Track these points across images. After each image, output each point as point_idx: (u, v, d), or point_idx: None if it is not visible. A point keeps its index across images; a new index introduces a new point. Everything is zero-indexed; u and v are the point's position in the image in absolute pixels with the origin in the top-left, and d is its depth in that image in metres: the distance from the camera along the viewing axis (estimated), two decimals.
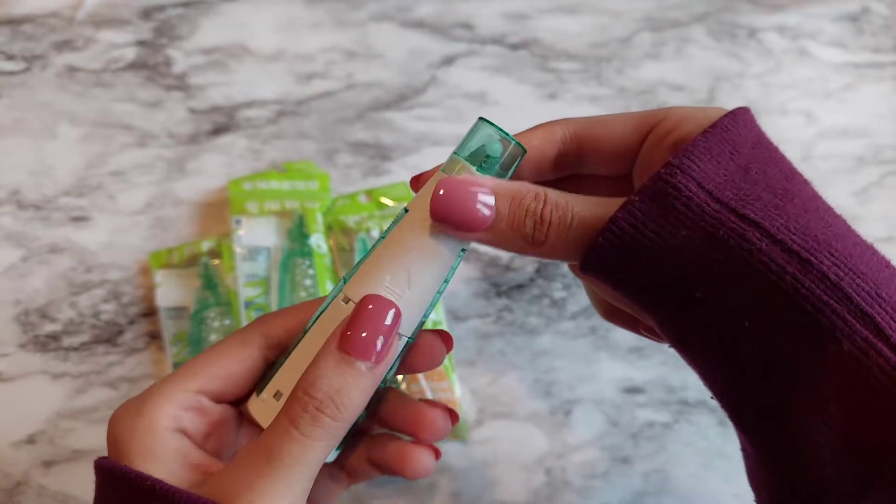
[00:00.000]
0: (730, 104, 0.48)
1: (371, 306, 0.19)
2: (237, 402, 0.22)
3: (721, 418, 0.34)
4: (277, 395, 0.20)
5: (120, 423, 0.19)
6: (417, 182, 0.22)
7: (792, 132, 0.45)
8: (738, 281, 0.17)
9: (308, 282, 0.34)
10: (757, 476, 0.20)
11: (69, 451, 0.33)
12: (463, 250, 0.21)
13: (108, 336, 0.36)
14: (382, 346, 0.18)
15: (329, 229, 0.38)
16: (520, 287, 0.38)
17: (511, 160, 0.21)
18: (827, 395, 0.17)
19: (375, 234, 0.37)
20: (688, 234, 0.17)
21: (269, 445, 0.18)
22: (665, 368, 0.35)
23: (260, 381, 0.21)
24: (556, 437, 0.33)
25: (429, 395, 0.32)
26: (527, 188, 0.19)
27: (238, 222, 0.37)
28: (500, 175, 0.21)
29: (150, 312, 0.36)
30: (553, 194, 0.19)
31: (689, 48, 0.51)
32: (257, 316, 0.34)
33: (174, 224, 0.40)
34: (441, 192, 0.19)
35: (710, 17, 0.53)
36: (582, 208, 0.19)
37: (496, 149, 0.20)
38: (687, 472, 0.32)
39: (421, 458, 0.22)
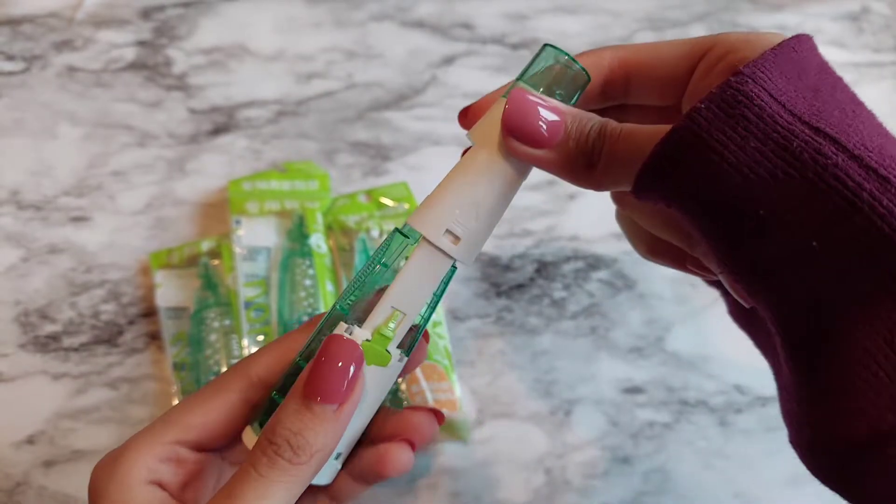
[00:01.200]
0: None
1: (333, 349, 0.19)
2: (219, 449, 0.22)
3: (721, 418, 0.34)
4: None
5: (98, 476, 0.20)
6: (467, 114, 0.22)
7: None
8: (810, 198, 0.16)
9: (308, 282, 0.34)
10: (801, 412, 0.18)
11: (69, 452, 0.33)
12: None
13: (108, 336, 0.36)
14: (347, 387, 0.18)
15: (329, 229, 0.38)
16: (520, 287, 0.38)
17: (575, 87, 0.20)
18: (892, 324, 0.16)
19: (375, 234, 0.37)
20: (758, 145, 0.16)
21: (231, 487, 0.18)
22: (665, 368, 0.35)
23: (259, 411, 0.21)
24: (556, 437, 0.33)
25: (429, 396, 0.32)
26: (589, 114, 0.19)
27: (238, 222, 0.37)
28: (564, 100, 0.20)
29: (150, 313, 0.36)
30: (612, 121, 0.19)
31: None
32: (257, 316, 0.34)
33: (174, 224, 0.40)
34: (516, 105, 0.18)
35: (710, 17, 0.53)
36: (636, 127, 0.18)
37: (561, 75, 0.20)
38: (687, 471, 0.32)
39: (399, 455, 0.22)
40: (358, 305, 0.21)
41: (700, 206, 0.17)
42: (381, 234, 0.37)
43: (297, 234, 0.36)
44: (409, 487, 0.31)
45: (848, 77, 0.58)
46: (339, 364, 0.18)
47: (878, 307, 0.16)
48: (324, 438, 0.18)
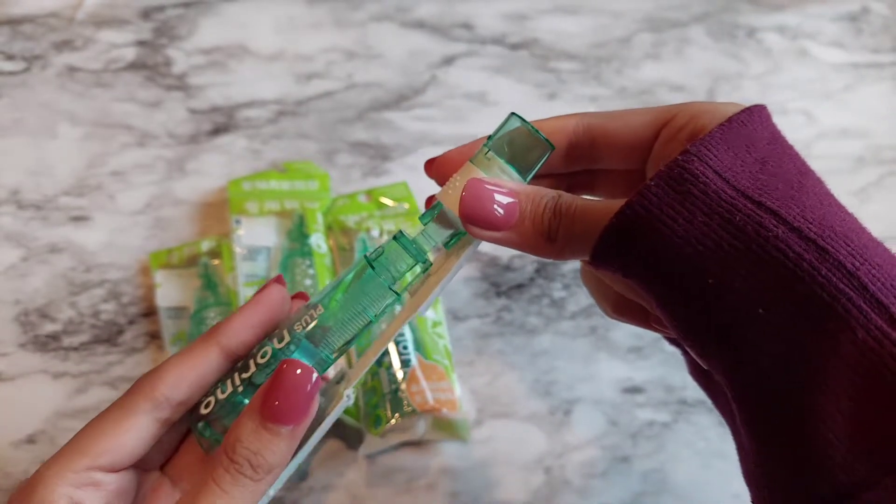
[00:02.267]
0: None
1: (290, 372, 0.19)
2: (137, 466, 0.22)
3: (720, 418, 0.34)
4: None
5: None
6: (432, 166, 0.23)
7: (791, 132, 0.45)
8: (754, 268, 0.17)
9: (308, 281, 0.34)
10: (759, 474, 0.20)
11: None
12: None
13: (108, 336, 0.36)
14: (302, 409, 0.19)
15: (329, 229, 0.38)
16: (519, 287, 0.38)
17: (538, 155, 0.21)
18: (839, 386, 0.17)
19: (375, 233, 0.37)
20: (704, 219, 0.17)
21: (194, 501, 0.19)
22: (665, 368, 0.35)
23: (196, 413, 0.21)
24: (555, 437, 0.33)
25: (429, 395, 0.32)
26: (544, 189, 0.20)
27: (238, 222, 0.37)
28: (528, 169, 0.21)
29: (149, 312, 0.36)
30: (566, 194, 0.20)
31: (688, 48, 0.51)
32: None
33: (174, 224, 0.40)
34: (472, 194, 0.20)
35: (709, 18, 0.53)
36: (593, 203, 0.20)
37: (524, 144, 0.21)
38: (686, 471, 0.32)
39: None
40: (334, 341, 0.21)
41: (653, 276, 0.18)
42: (380, 234, 0.37)
43: (298, 233, 0.36)
44: (409, 487, 0.31)
45: (847, 77, 0.58)
46: (297, 389, 0.19)
47: (826, 371, 0.17)
48: (280, 457, 0.19)
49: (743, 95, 0.48)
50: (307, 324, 0.21)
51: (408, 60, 0.48)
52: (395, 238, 0.21)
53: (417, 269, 0.22)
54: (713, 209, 0.17)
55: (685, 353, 0.25)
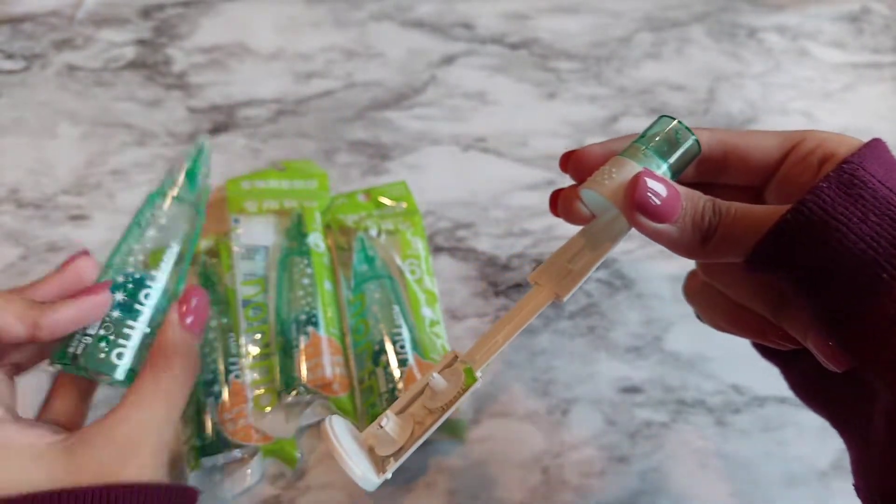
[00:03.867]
0: (729, 104, 0.48)
1: (196, 299, 0.25)
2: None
3: (719, 418, 0.34)
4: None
5: None
6: (569, 159, 0.24)
7: None
8: None
9: (306, 280, 0.34)
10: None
11: None
12: None
13: None
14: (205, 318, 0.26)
15: (327, 228, 0.38)
16: (518, 286, 0.38)
17: (687, 158, 0.23)
18: None
19: (374, 233, 0.37)
20: (877, 220, 0.19)
21: (162, 389, 0.24)
22: (663, 368, 0.35)
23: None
24: (553, 436, 0.33)
25: None
26: (697, 192, 0.21)
27: (236, 221, 0.37)
28: (679, 170, 0.23)
29: None
30: (718, 199, 0.21)
31: (688, 48, 0.51)
32: (255, 314, 0.34)
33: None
34: (643, 184, 0.21)
35: (709, 17, 0.53)
36: (751, 206, 0.21)
37: (679, 144, 0.23)
38: (684, 471, 0.32)
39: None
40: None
41: (822, 270, 0.19)
42: (379, 234, 0.37)
43: (296, 232, 0.36)
44: (407, 486, 0.31)
45: (847, 77, 0.58)
46: (201, 309, 0.25)
47: None
48: (194, 353, 0.25)
49: (743, 95, 0.48)
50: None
51: (407, 60, 0.48)
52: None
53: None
54: (884, 212, 0.19)
55: (787, 367, 0.26)
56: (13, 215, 0.40)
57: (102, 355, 0.24)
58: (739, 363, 0.35)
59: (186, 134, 0.44)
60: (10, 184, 0.41)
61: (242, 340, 0.33)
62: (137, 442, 0.22)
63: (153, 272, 0.26)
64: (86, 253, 0.25)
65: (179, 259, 0.27)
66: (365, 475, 0.22)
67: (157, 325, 0.26)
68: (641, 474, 0.32)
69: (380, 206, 0.39)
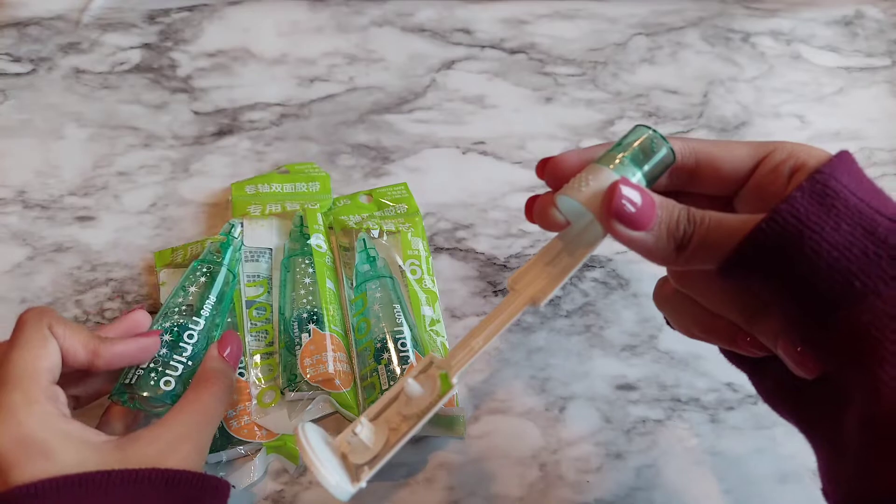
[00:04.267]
0: (724, 108, 0.49)
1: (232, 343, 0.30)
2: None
3: (712, 415, 0.35)
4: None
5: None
6: (545, 166, 0.25)
7: (785, 135, 0.46)
8: None
9: (307, 280, 0.35)
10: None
11: None
12: None
13: None
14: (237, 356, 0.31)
15: (330, 229, 0.39)
16: None
17: (662, 166, 0.23)
18: None
19: (376, 234, 0.38)
20: (849, 229, 0.19)
21: (202, 404, 0.27)
22: (658, 366, 0.36)
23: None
24: (550, 433, 0.33)
25: None
26: (670, 200, 0.22)
27: (241, 224, 0.37)
28: (654, 178, 0.23)
29: (154, 310, 0.37)
30: (692, 207, 0.22)
31: (683, 52, 0.51)
32: (259, 315, 0.35)
33: (178, 223, 0.40)
34: (619, 193, 0.21)
35: (704, 22, 0.53)
36: (725, 214, 0.21)
37: (654, 153, 0.23)
38: (679, 467, 0.33)
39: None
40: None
41: (796, 278, 0.20)
42: (380, 234, 0.38)
43: (298, 234, 0.37)
44: (406, 481, 0.32)
45: (841, 81, 0.58)
46: (235, 348, 0.30)
47: None
48: (232, 382, 0.30)
49: (737, 99, 0.49)
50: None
51: (408, 64, 0.49)
52: None
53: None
54: (856, 221, 0.19)
55: (756, 376, 0.26)
56: (20, 216, 0.40)
57: (152, 383, 0.29)
58: None
59: (192, 136, 0.44)
60: (17, 185, 0.42)
61: (247, 340, 0.34)
62: (179, 441, 0.25)
63: (196, 318, 0.31)
64: (142, 308, 0.31)
65: (217, 310, 0.33)
66: (339, 484, 0.21)
67: (198, 360, 0.30)
68: (637, 470, 0.33)
69: (382, 206, 0.40)
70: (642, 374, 0.35)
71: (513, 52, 0.50)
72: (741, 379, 0.36)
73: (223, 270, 0.34)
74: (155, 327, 0.31)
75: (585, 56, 0.50)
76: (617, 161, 0.22)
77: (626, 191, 0.21)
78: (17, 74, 0.47)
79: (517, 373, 0.35)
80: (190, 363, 0.30)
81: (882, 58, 0.52)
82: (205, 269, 0.34)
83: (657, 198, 0.22)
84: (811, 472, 0.33)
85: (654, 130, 0.23)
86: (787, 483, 0.33)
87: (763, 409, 0.36)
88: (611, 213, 0.21)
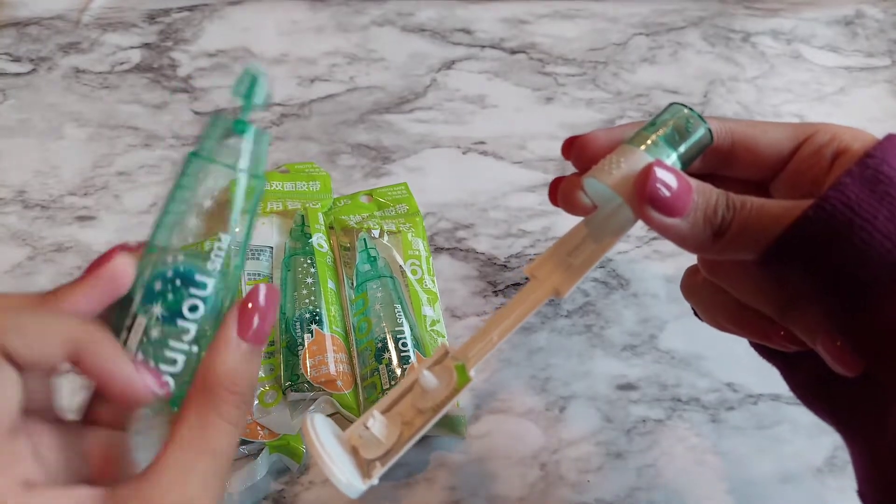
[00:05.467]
0: (724, 107, 0.49)
1: (259, 293, 0.20)
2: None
3: (713, 415, 0.34)
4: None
5: None
6: (572, 145, 0.23)
7: None
8: None
9: (309, 280, 0.35)
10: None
11: None
12: None
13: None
14: (270, 322, 0.20)
15: (331, 229, 0.39)
16: (516, 286, 0.39)
17: (699, 148, 0.21)
18: None
19: (376, 233, 0.38)
20: None
21: (210, 446, 0.18)
22: (659, 366, 0.36)
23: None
24: (551, 433, 0.33)
25: None
26: (707, 184, 0.20)
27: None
28: (690, 160, 0.21)
29: None
30: (730, 193, 0.20)
31: (684, 52, 0.51)
32: None
33: None
34: (654, 176, 0.20)
35: (704, 22, 0.53)
36: (764, 200, 0.20)
37: (691, 133, 0.21)
38: (679, 467, 0.33)
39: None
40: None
41: (844, 269, 0.19)
42: (381, 234, 0.38)
43: (299, 233, 0.37)
44: (407, 481, 0.32)
45: (841, 81, 0.58)
46: (269, 309, 0.20)
47: None
48: (255, 378, 0.20)
49: (738, 98, 0.49)
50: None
51: (408, 64, 0.49)
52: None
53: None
54: None
55: (789, 370, 0.25)
56: (20, 216, 0.40)
57: None
58: (733, 361, 0.36)
59: (192, 136, 0.44)
60: (17, 185, 0.42)
61: None
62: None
63: (204, 269, 0.19)
64: (122, 248, 0.20)
65: (234, 247, 0.20)
66: (349, 481, 0.20)
67: (207, 342, 0.19)
68: (638, 470, 0.33)
69: (382, 206, 0.40)
70: (643, 373, 0.35)
71: (513, 51, 0.50)
72: (742, 379, 0.37)
73: (244, 176, 0.20)
74: (139, 283, 0.20)
75: (586, 56, 0.50)
76: (650, 142, 0.21)
77: (661, 174, 0.20)
78: (17, 74, 0.47)
79: (518, 373, 0.35)
80: (195, 349, 0.20)
81: (882, 57, 0.52)
82: (211, 172, 0.20)
83: (694, 182, 0.20)
84: (813, 471, 0.33)
85: (691, 109, 0.22)
86: (789, 483, 0.33)
87: (764, 408, 0.36)
88: (644, 198, 0.19)
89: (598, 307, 0.38)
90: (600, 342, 0.37)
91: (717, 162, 0.23)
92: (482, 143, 0.45)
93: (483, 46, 0.51)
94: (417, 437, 0.21)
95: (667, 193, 0.19)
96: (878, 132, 0.53)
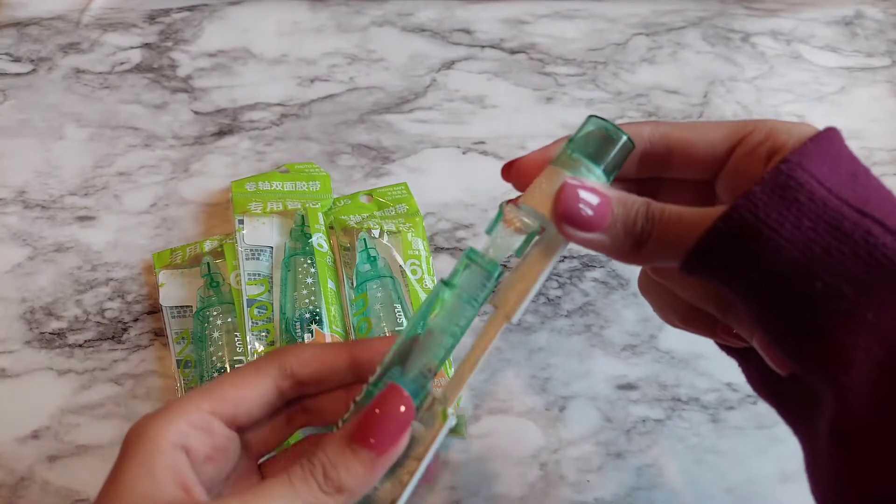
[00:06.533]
0: (724, 108, 0.49)
1: (386, 400, 0.20)
2: (246, 429, 0.22)
3: (713, 415, 0.35)
4: None
5: (132, 433, 0.20)
6: (510, 170, 0.23)
7: None
8: (863, 274, 0.18)
9: (310, 280, 0.35)
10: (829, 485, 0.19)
11: (73, 447, 0.33)
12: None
13: (113, 333, 0.37)
14: (390, 440, 0.20)
15: (331, 228, 0.39)
16: None
17: (621, 156, 0.21)
18: None
19: (376, 233, 0.38)
20: (811, 225, 0.18)
21: (264, 485, 0.19)
22: (658, 366, 0.36)
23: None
24: (551, 433, 0.33)
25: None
26: (632, 195, 0.20)
27: (241, 222, 0.37)
28: (612, 170, 0.22)
29: (154, 310, 0.37)
30: (653, 201, 0.20)
31: (683, 52, 0.51)
32: (260, 314, 0.35)
33: (179, 224, 0.40)
34: (566, 195, 0.20)
35: (704, 22, 0.53)
36: (686, 209, 0.20)
37: (608, 144, 0.21)
38: (679, 467, 0.33)
39: None
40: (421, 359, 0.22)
41: (757, 279, 0.18)
42: (381, 234, 0.38)
43: (300, 233, 0.37)
44: None
45: (841, 81, 0.59)
46: (392, 418, 0.20)
47: None
48: (355, 480, 0.20)
49: (737, 99, 0.49)
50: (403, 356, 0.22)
51: (408, 64, 0.49)
52: (467, 256, 0.22)
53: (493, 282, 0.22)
54: (820, 216, 0.18)
55: (745, 363, 0.25)
56: (20, 216, 0.40)
57: None
58: (733, 361, 0.36)
59: (192, 136, 0.44)
60: (17, 185, 0.42)
61: (248, 339, 0.34)
62: None
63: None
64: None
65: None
66: None
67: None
68: (637, 470, 0.33)
69: (382, 206, 0.40)
70: (643, 373, 0.35)
71: (513, 52, 0.50)
72: (742, 379, 0.36)
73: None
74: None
75: (585, 56, 0.50)
76: (571, 159, 0.21)
77: (573, 191, 0.20)
78: (17, 74, 0.47)
79: (518, 372, 0.35)
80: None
81: (882, 58, 0.52)
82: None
83: (613, 194, 0.20)
84: None
85: (607, 121, 0.22)
86: (788, 483, 0.33)
87: (764, 408, 0.36)
88: (559, 216, 0.20)
89: (597, 307, 0.38)
90: (600, 342, 0.37)
91: (656, 165, 0.23)
92: (482, 143, 0.45)
93: (483, 46, 0.51)
94: (417, 478, 0.21)
95: (587, 211, 0.20)
96: (878, 132, 0.53)
